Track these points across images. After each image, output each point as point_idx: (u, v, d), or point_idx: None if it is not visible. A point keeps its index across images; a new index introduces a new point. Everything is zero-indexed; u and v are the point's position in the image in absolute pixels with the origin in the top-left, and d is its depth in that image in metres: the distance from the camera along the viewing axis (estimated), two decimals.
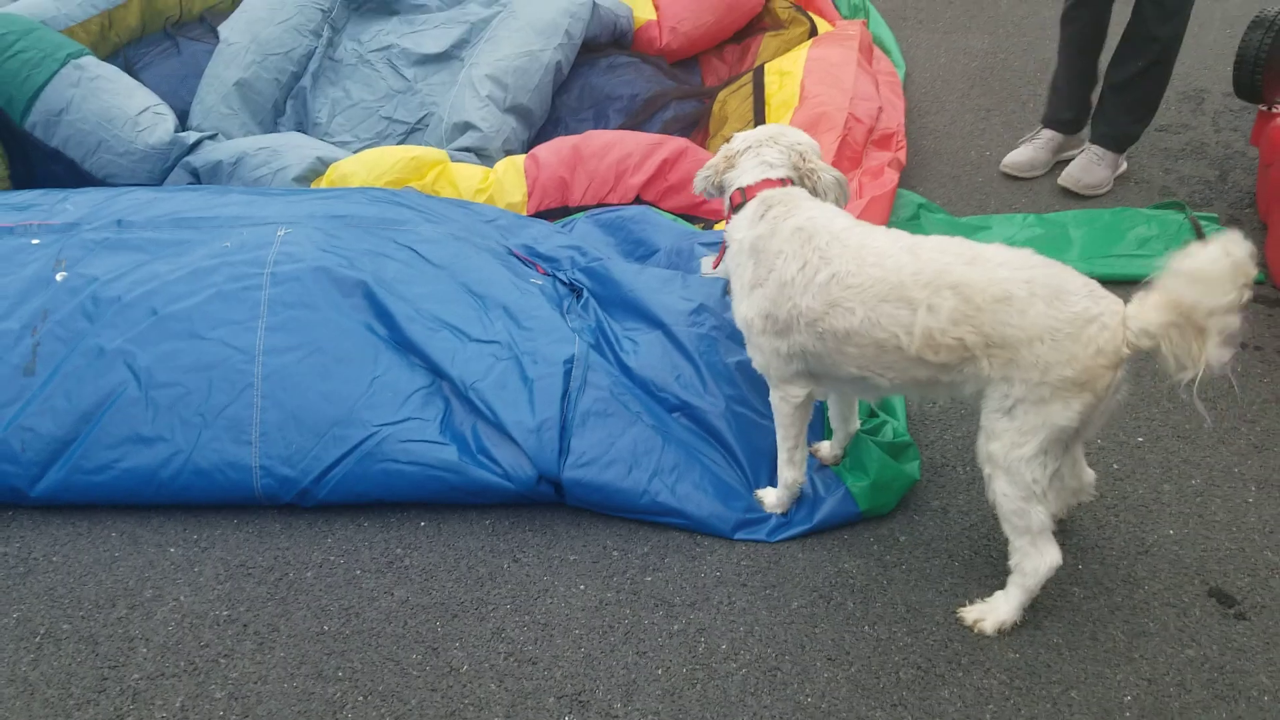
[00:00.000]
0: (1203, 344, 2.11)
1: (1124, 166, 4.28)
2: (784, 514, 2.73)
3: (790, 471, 2.66)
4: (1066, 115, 4.28)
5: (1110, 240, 3.80)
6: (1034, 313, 2.18)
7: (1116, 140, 4.17)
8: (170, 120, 3.87)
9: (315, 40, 4.37)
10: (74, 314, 2.84)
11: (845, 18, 5.63)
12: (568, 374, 2.88)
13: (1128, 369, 2.25)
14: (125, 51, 4.30)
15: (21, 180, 3.89)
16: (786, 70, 4.54)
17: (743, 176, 2.61)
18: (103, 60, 4.02)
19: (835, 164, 3.99)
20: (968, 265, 2.25)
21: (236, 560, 2.65)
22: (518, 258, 3.33)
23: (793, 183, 2.59)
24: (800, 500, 2.73)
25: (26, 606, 2.53)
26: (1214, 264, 2.03)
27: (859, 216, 3.65)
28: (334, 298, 2.89)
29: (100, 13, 4.25)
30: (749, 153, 2.63)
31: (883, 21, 5.64)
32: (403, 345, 2.89)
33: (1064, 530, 2.68)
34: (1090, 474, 2.61)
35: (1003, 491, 2.32)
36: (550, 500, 2.77)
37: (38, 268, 2.94)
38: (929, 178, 4.34)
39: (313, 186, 3.67)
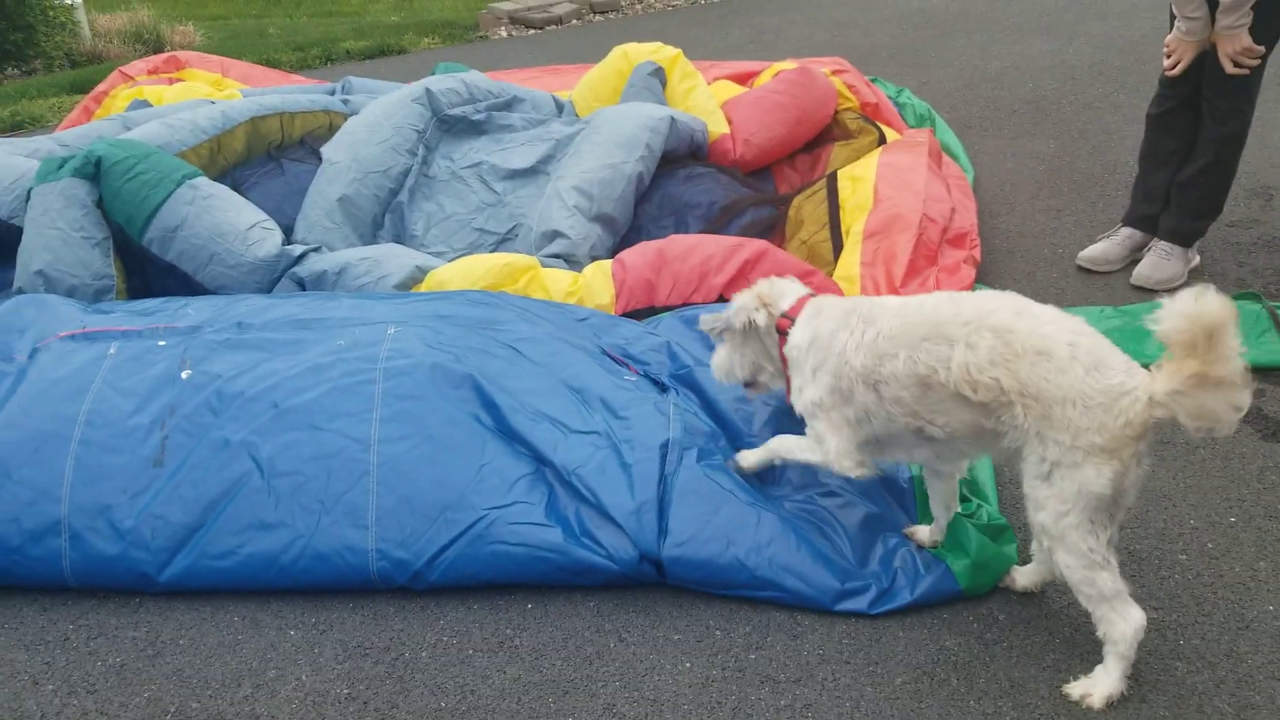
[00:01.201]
0: (1214, 398, 2.22)
1: (1196, 260, 4.39)
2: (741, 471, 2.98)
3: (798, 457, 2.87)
4: (1147, 212, 4.41)
5: None
6: (1072, 375, 2.33)
7: (1182, 236, 4.30)
8: (278, 234, 4.14)
9: (411, 159, 4.68)
10: (199, 409, 3.04)
11: (912, 127, 5.88)
12: (663, 457, 3.03)
13: (1151, 440, 2.38)
14: (233, 173, 4.63)
15: (138, 292, 4.15)
16: (859, 176, 4.74)
17: (782, 303, 2.86)
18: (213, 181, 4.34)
19: (911, 263, 4.14)
20: (1014, 315, 2.43)
21: (354, 641, 2.77)
22: (610, 357, 3.50)
23: None
24: (902, 574, 2.81)
25: (156, 686, 2.66)
26: (1188, 321, 2.18)
27: None
28: (444, 390, 3.07)
29: (210, 138, 4.59)
30: (770, 293, 2.90)
31: (949, 129, 5.87)
32: (507, 434, 3.06)
33: (1163, 606, 2.73)
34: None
35: (1065, 564, 2.44)
36: (652, 580, 2.87)
37: (165, 367, 3.16)
38: (1004, 275, 4.48)
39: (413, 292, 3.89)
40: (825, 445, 2.75)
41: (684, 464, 3.01)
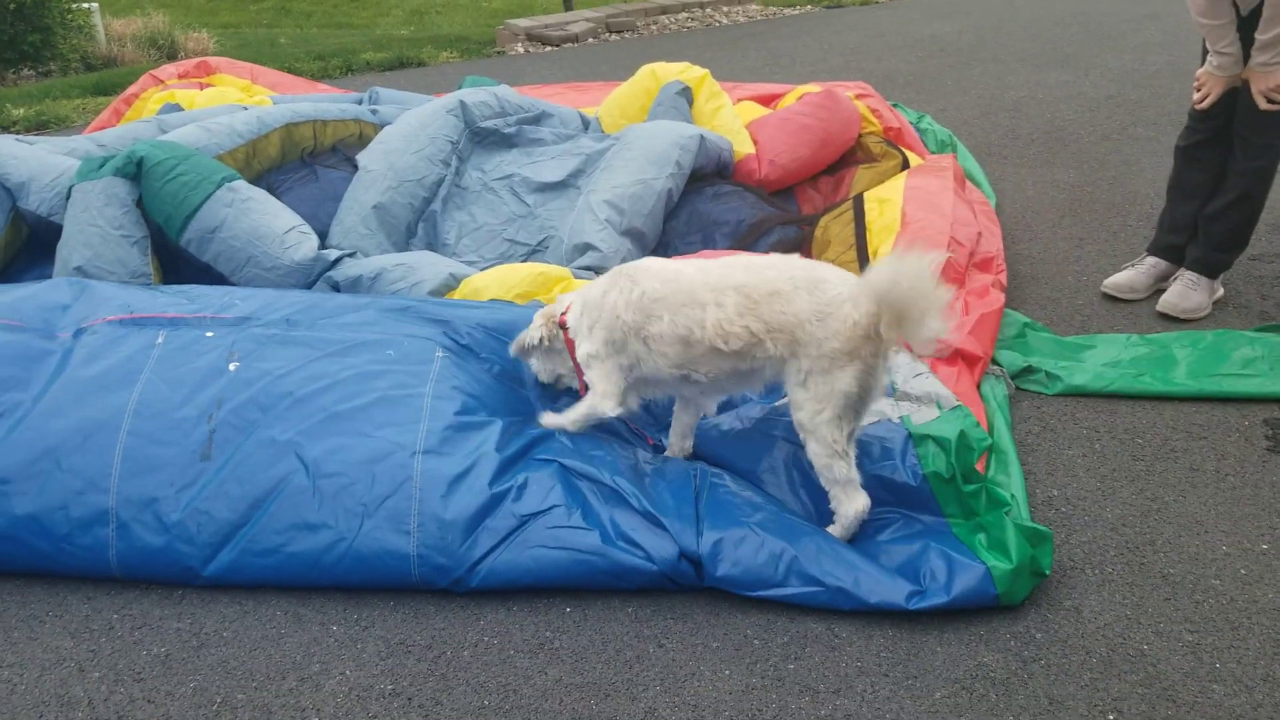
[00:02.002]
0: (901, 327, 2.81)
1: (1220, 292, 4.45)
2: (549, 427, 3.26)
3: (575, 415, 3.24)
4: (1174, 242, 4.48)
5: (1215, 360, 3.95)
6: (800, 302, 2.87)
7: (1209, 266, 4.37)
8: (314, 239, 4.19)
9: (445, 169, 4.74)
10: (248, 404, 3.08)
11: (933, 152, 5.96)
12: (695, 477, 3.11)
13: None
14: (268, 177, 4.68)
15: None
16: (886, 198, 4.81)
17: (559, 308, 3.32)
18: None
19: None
20: (745, 271, 2.98)
21: (396, 639, 2.80)
22: (630, 428, 3.54)
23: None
24: (936, 575, 2.86)
25: (202, 677, 2.69)
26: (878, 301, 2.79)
27: (968, 333, 3.87)
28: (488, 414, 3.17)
29: (246, 142, 4.65)
30: (552, 309, 3.34)
31: (970, 155, 5.95)
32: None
33: (1198, 630, 2.78)
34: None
35: (814, 452, 2.96)
36: (690, 582, 2.91)
37: (212, 358, 3.20)
38: (1029, 300, 4.54)
39: (447, 298, 3.94)
40: (593, 391, 3.17)
41: (714, 484, 3.10)
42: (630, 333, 3.07)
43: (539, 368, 3.45)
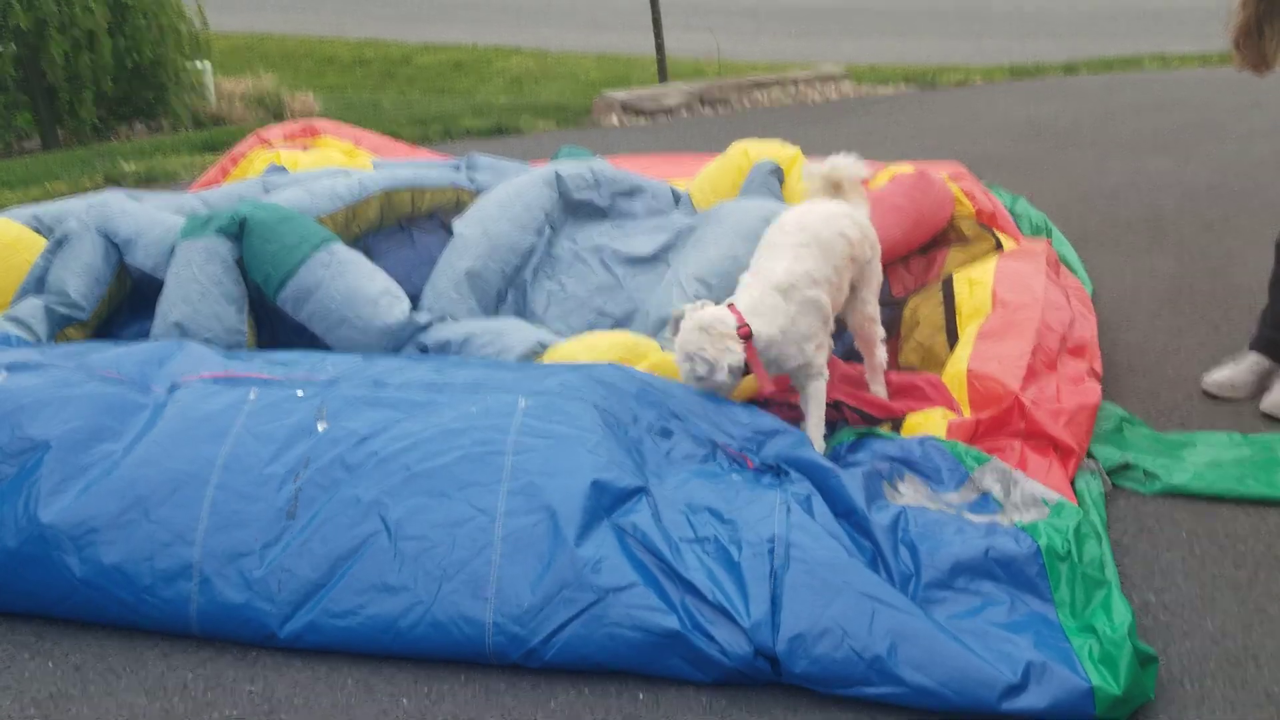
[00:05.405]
0: None
1: None
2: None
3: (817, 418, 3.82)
4: (1276, 339, 4.33)
5: None
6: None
7: None
8: (405, 303, 4.26)
9: (538, 238, 4.80)
10: (333, 464, 3.11)
11: (1028, 235, 5.87)
12: (771, 552, 3.00)
13: None
14: (365, 239, 4.77)
15: (267, 349, 4.28)
16: (977, 279, 4.74)
17: (728, 319, 3.60)
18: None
19: (1030, 367, 4.06)
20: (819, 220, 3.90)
21: (466, 715, 2.77)
22: (727, 453, 3.51)
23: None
24: (1035, 676, 2.69)
25: None
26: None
27: (1064, 425, 3.77)
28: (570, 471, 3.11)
29: (346, 206, 4.74)
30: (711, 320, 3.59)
31: (1065, 240, 5.85)
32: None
33: None
34: None
35: (879, 334, 4.12)
36: (767, 678, 2.84)
37: (301, 417, 3.24)
38: (1125, 392, 4.41)
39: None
40: (820, 377, 3.78)
41: (793, 558, 2.98)
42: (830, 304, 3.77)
43: (721, 386, 3.68)
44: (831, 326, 3.87)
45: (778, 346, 3.66)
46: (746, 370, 3.65)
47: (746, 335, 3.55)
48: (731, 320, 3.58)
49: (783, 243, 3.79)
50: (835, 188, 4.08)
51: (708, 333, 3.52)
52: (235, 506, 3.04)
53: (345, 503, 3.03)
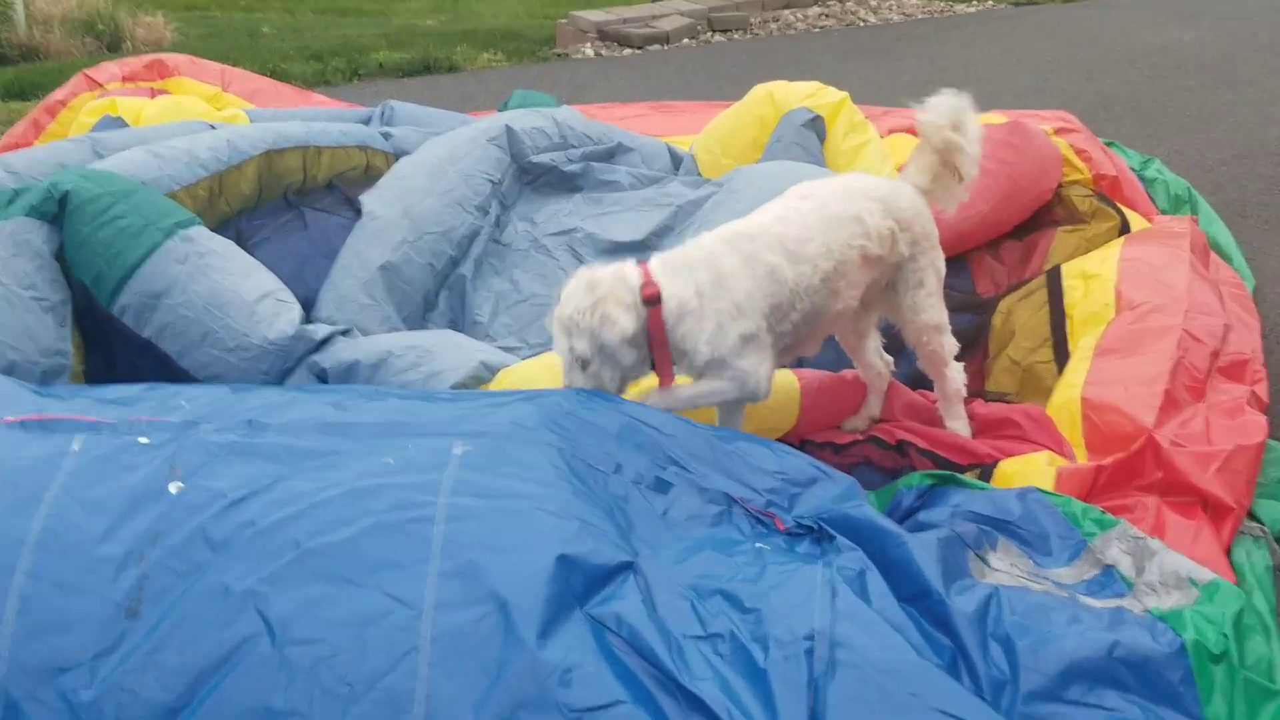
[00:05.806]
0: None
1: None
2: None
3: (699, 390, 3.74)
4: None
5: None
6: (904, 199, 3.97)
7: None
8: (295, 310, 4.28)
9: (480, 218, 4.82)
10: (193, 539, 3.09)
11: (1164, 212, 5.92)
12: (810, 653, 3.01)
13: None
14: (238, 222, 4.79)
15: (98, 376, 4.27)
16: (1093, 273, 4.80)
17: (627, 288, 3.55)
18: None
19: (1169, 393, 4.12)
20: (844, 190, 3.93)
21: None
22: (748, 511, 3.52)
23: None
24: None
25: None
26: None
27: (1215, 473, 3.80)
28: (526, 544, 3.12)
29: (211, 175, 4.76)
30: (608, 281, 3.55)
31: (1216, 217, 5.92)
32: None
33: None
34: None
35: (947, 345, 4.11)
36: None
37: (146, 474, 3.22)
38: None
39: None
40: (744, 373, 3.64)
41: (839, 660, 2.99)
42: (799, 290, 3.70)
43: (601, 377, 3.59)
44: (821, 335, 3.96)
45: (691, 319, 3.55)
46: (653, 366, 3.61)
47: (653, 298, 3.50)
48: (633, 278, 3.49)
49: (776, 202, 3.85)
50: (949, 151, 3.98)
51: (592, 293, 3.44)
52: (54, 602, 3.02)
53: (209, 594, 3.01)
